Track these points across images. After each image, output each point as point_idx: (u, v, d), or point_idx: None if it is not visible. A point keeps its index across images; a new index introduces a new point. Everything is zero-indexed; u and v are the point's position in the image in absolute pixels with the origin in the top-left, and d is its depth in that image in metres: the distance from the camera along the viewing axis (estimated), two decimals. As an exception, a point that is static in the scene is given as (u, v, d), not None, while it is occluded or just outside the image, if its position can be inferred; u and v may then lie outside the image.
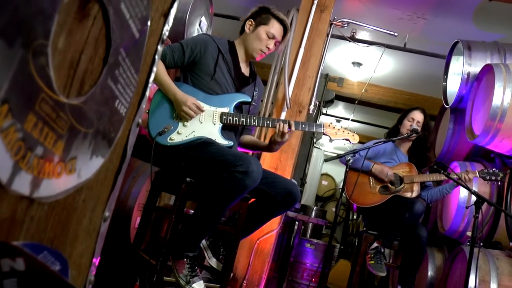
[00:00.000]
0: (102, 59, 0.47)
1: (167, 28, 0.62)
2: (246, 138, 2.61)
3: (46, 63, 0.37)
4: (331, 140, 2.60)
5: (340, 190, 3.22)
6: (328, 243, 3.18)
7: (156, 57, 0.60)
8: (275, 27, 2.44)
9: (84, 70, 0.45)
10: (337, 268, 5.34)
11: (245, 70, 2.54)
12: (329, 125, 2.54)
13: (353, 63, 5.77)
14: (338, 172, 9.60)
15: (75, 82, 0.44)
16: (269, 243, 3.53)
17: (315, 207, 5.27)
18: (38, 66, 0.36)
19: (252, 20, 2.48)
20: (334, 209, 9.21)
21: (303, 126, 2.48)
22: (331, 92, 5.83)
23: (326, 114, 7.28)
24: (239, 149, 2.63)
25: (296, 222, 4.62)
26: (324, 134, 2.52)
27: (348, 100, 6.30)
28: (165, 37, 0.62)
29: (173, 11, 0.62)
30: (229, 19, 4.69)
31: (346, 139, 2.54)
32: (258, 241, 3.47)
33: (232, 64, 2.45)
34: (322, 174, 9.40)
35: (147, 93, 0.59)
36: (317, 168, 8.09)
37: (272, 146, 2.49)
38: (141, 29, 0.54)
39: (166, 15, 0.61)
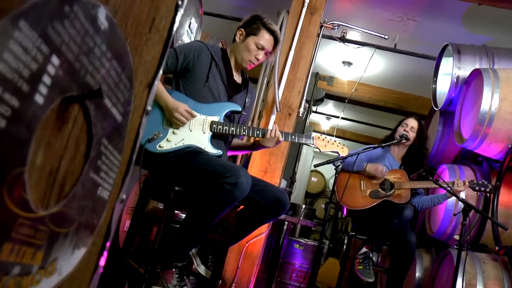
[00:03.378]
0: (83, 155, 0.46)
1: (152, 97, 0.60)
2: (233, 142, 2.61)
3: (23, 189, 0.36)
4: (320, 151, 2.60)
5: (330, 186, 3.25)
6: (318, 245, 3.19)
7: (141, 130, 0.59)
8: (264, 38, 2.40)
9: (64, 174, 0.43)
10: (326, 266, 5.38)
11: (237, 77, 2.52)
12: (318, 137, 2.54)
13: (344, 62, 5.75)
14: (327, 168, 9.64)
15: (55, 189, 0.42)
16: (258, 246, 3.53)
17: (304, 206, 5.28)
18: (14, 196, 0.35)
19: (242, 30, 2.44)
20: (323, 206, 9.25)
21: (293, 137, 2.49)
22: (321, 90, 5.81)
23: (316, 112, 7.27)
24: (229, 153, 2.64)
25: (286, 222, 4.63)
26: (314, 145, 2.53)
27: (338, 99, 6.29)
28: (149, 108, 0.60)
29: (157, 79, 0.60)
30: (219, 18, 4.64)
31: (336, 152, 2.57)
32: (247, 244, 3.47)
33: (224, 72, 2.43)
34: (312, 171, 9.42)
35: (132, 168, 0.58)
36: (306, 165, 8.10)
37: (255, 147, 2.53)
38: (124, 112, 0.52)
39: (150, 85, 0.59)
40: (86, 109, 0.44)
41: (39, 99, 0.36)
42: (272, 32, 2.41)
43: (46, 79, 0.36)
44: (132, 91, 0.53)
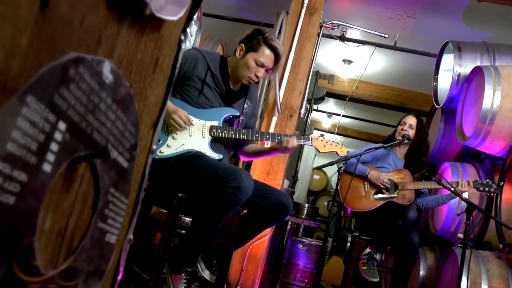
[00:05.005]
0: (90, 207, 0.46)
1: (157, 134, 0.60)
2: (250, 147, 2.60)
3: (33, 257, 0.36)
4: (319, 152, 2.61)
5: (332, 184, 3.24)
6: (322, 245, 3.20)
7: (147, 169, 0.59)
8: (265, 55, 2.32)
9: (73, 230, 0.43)
10: (330, 265, 5.39)
11: (234, 86, 2.49)
12: (317, 138, 2.55)
13: (344, 60, 5.73)
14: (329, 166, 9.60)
15: (63, 247, 0.42)
16: (262, 248, 3.54)
17: (307, 205, 5.27)
18: (24, 266, 0.35)
19: (243, 45, 2.37)
20: (326, 203, 9.25)
21: None
22: (322, 89, 5.80)
23: (317, 110, 7.26)
24: (246, 159, 2.68)
25: (289, 223, 4.63)
26: (312, 147, 2.55)
27: (339, 97, 6.28)
28: (155, 146, 0.60)
29: (162, 117, 0.60)
30: (219, 19, 4.63)
31: (335, 152, 2.58)
32: (251, 246, 3.48)
33: (221, 81, 2.40)
34: (314, 169, 9.43)
35: (139, 207, 0.58)
36: (308, 163, 8.10)
37: (271, 152, 2.53)
38: (130, 157, 0.52)
39: (155, 124, 0.59)
40: (93, 165, 0.44)
41: (47, 167, 0.35)
42: (273, 49, 2.33)
43: (54, 147, 0.36)
44: (138, 135, 0.53)
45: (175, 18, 0.51)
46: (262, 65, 2.33)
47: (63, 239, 0.42)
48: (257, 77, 2.36)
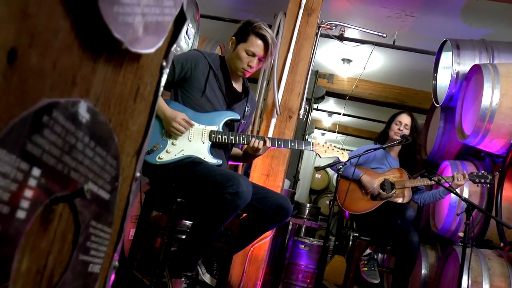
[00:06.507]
0: (71, 242, 0.47)
1: (141, 162, 0.61)
2: (233, 151, 2.62)
3: (8, 302, 0.36)
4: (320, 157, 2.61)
5: (334, 182, 3.24)
6: (323, 245, 3.21)
7: (131, 197, 0.59)
8: (254, 44, 2.33)
9: (52, 267, 0.44)
10: (332, 264, 5.40)
11: (237, 86, 2.50)
12: (318, 143, 2.54)
13: (343, 60, 5.73)
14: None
15: (43, 284, 0.43)
16: (263, 250, 3.54)
17: (308, 205, 5.28)
18: (0, 312, 0.35)
19: (234, 38, 2.41)
20: (328, 202, 9.25)
21: (292, 144, 2.50)
22: (321, 88, 5.80)
23: (317, 109, 7.25)
24: (230, 162, 2.65)
25: (290, 223, 4.64)
26: (313, 152, 2.54)
27: (339, 96, 6.27)
28: (138, 174, 0.61)
29: (146, 144, 0.60)
30: (216, 20, 4.62)
31: (336, 157, 2.58)
32: (252, 248, 3.49)
33: (223, 81, 2.41)
34: (315, 168, 9.43)
35: (123, 235, 0.59)
36: (309, 163, 8.10)
37: (244, 159, 2.52)
38: (111, 189, 0.53)
39: (139, 152, 0.60)
40: (71, 202, 0.44)
41: (21, 214, 0.36)
42: (261, 37, 2.33)
43: (28, 193, 0.37)
44: (119, 167, 0.53)
45: (152, 50, 0.51)
46: (253, 55, 2.34)
47: (42, 277, 0.43)
48: (251, 67, 2.37)
